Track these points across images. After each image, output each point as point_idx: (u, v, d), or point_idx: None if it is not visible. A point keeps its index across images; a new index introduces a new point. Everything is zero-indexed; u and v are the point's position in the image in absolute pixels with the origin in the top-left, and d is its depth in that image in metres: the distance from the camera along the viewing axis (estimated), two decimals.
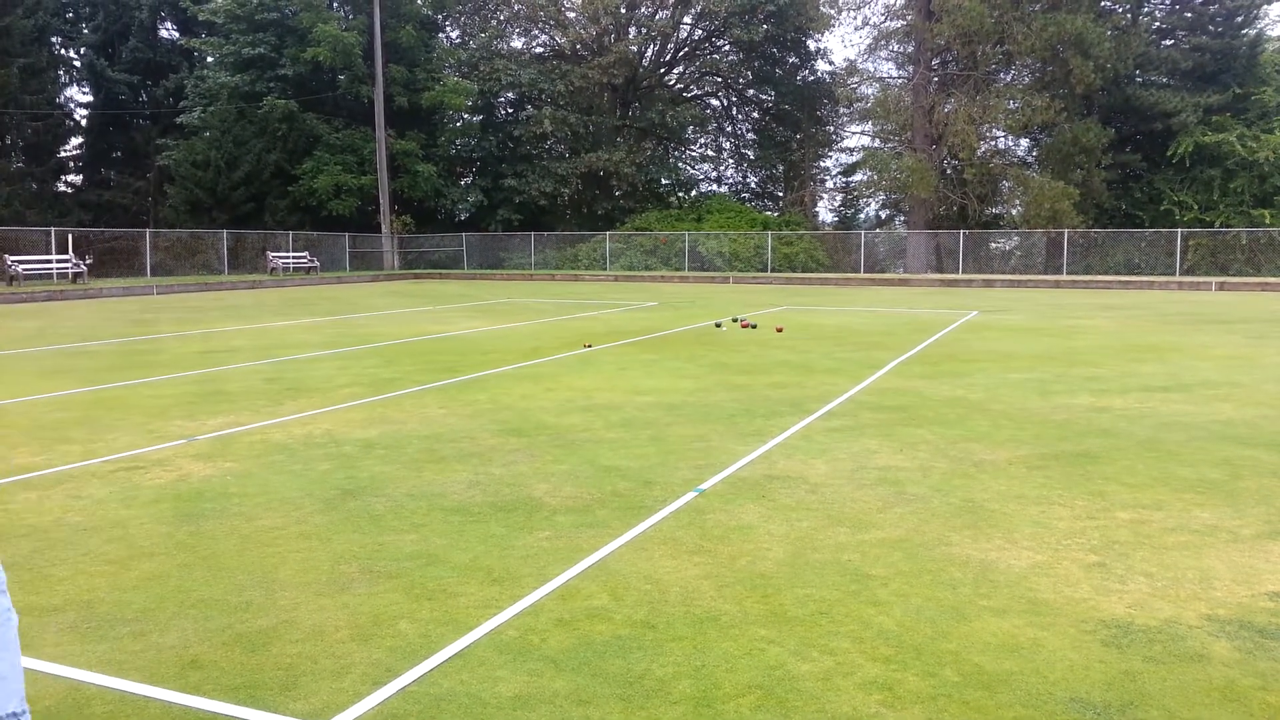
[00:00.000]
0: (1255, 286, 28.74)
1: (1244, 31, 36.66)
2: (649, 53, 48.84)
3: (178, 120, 41.80)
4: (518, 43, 47.72)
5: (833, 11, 41.91)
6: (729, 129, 53.42)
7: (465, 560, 4.56)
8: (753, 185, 52.68)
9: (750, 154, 52.05)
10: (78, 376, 10.82)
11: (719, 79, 50.83)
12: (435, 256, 44.20)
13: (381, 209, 41.52)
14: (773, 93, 49.21)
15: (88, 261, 30.63)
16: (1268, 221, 34.30)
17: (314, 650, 3.58)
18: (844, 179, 49.07)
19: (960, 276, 33.64)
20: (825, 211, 51.36)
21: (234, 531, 5.03)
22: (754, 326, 16.40)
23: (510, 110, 46.61)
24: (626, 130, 46.61)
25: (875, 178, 41.77)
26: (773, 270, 37.66)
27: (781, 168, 49.90)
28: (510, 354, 12.72)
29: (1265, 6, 36.60)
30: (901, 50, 42.40)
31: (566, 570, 4.40)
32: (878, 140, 44.58)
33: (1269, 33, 38.03)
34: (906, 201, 41.11)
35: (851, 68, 42.70)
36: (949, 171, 40.44)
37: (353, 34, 39.73)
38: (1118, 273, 33.83)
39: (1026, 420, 7.94)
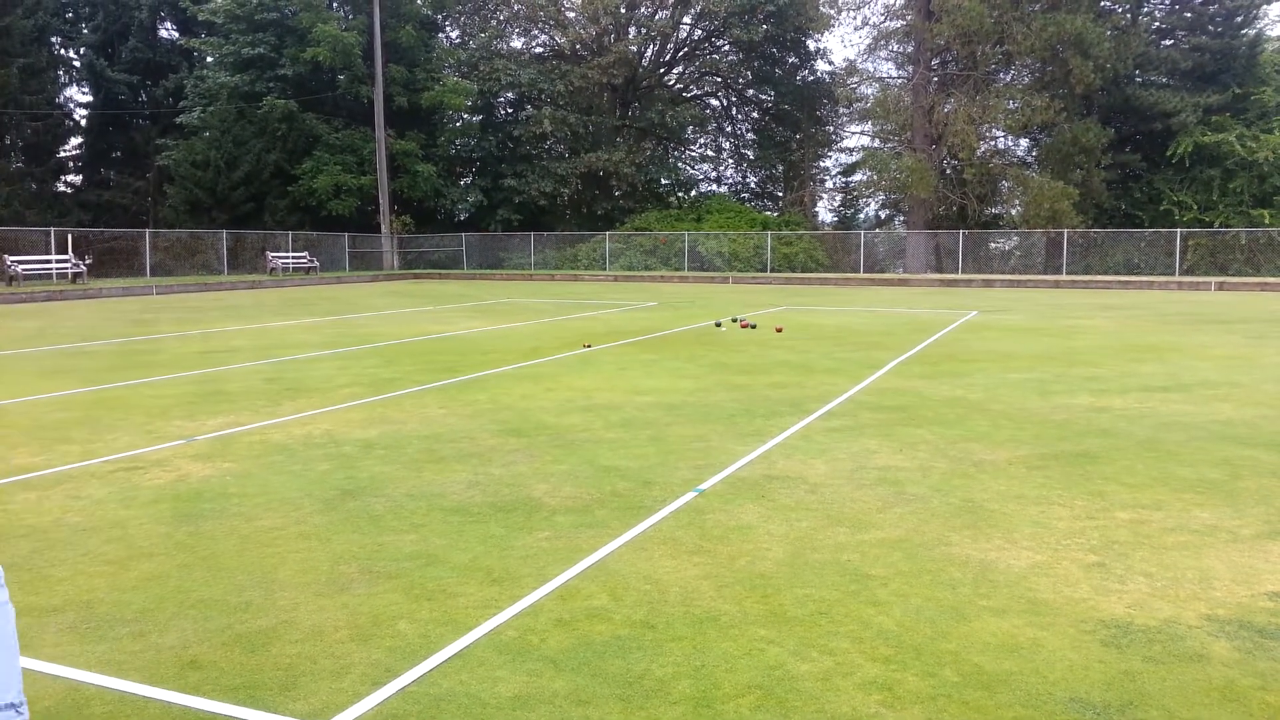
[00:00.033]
0: (1255, 286, 28.75)
1: (1243, 31, 36.67)
2: (649, 53, 48.86)
3: (177, 120, 41.81)
4: (517, 43, 47.78)
5: (832, 11, 41.94)
6: (729, 129, 53.45)
7: (465, 560, 4.56)
8: (752, 185, 52.71)
9: (750, 154, 52.06)
10: (78, 376, 10.82)
11: (719, 79, 50.84)
12: (435, 256, 44.20)
13: (381, 209, 41.52)
14: (772, 93, 49.22)
15: (87, 262, 30.62)
16: (1267, 221, 34.31)
17: (313, 650, 3.58)
18: (843, 179, 49.11)
19: (960, 276, 33.65)
20: (825, 211, 51.43)
21: (233, 532, 5.03)
22: (754, 327, 16.40)
23: (510, 110, 46.61)
24: (626, 130, 46.61)
25: (875, 178, 41.78)
26: (772, 270, 37.66)
27: (781, 168, 49.90)
28: (510, 354, 12.72)
29: (1265, 6, 36.64)
30: (901, 50, 42.42)
31: (566, 570, 4.40)
32: (877, 140, 44.59)
33: (1268, 33, 38.08)
34: (906, 201, 41.11)
35: (851, 68, 42.71)
36: (948, 171, 40.45)
37: (352, 34, 39.74)
38: (1117, 273, 33.83)
39: (1026, 420, 7.94)
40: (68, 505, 5.55)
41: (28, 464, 6.57)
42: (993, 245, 38.83)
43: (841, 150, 50.58)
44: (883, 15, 42.30)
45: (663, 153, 49.79)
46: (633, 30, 46.51)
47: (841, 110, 45.70)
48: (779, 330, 15.77)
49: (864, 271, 37.28)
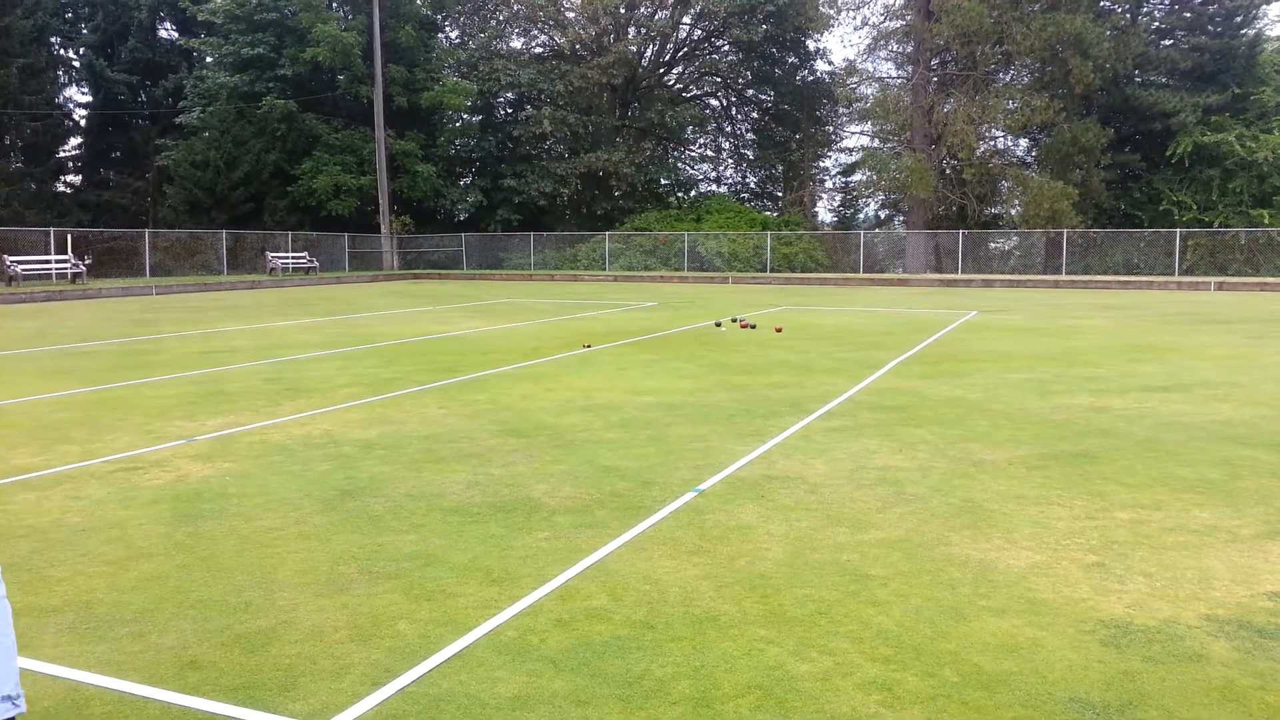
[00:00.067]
0: (1254, 286, 28.75)
1: (1243, 31, 36.68)
2: (648, 53, 48.86)
3: (177, 120, 41.81)
4: (517, 43, 47.78)
5: (832, 11, 41.94)
6: (728, 129, 53.45)
7: (464, 561, 4.56)
8: (752, 185, 52.71)
9: (749, 154, 52.06)
10: (77, 377, 10.82)
11: (718, 79, 50.84)
12: (434, 257, 44.20)
13: (381, 209, 41.52)
14: (772, 93, 49.22)
15: (87, 262, 30.61)
16: (1266, 221, 34.31)
17: (313, 651, 3.58)
18: (843, 179, 49.12)
19: (959, 276, 33.65)
20: (824, 211, 51.44)
21: (233, 532, 5.03)
22: (753, 327, 16.40)
23: (509, 110, 46.61)
24: (626, 130, 46.61)
25: (874, 178, 41.78)
26: (772, 270, 37.67)
27: (781, 168, 49.91)
28: (510, 354, 12.72)
29: (1264, 6, 36.61)
30: (901, 50, 42.42)
31: (565, 571, 4.40)
32: (877, 140, 44.60)
33: (1268, 33, 38.09)
34: (905, 201, 41.12)
35: (851, 68, 42.71)
36: (948, 171, 40.45)
37: (352, 34, 39.73)
38: (1117, 273, 33.84)
39: (1026, 420, 7.94)
40: (67, 505, 5.55)
41: (27, 464, 6.57)
42: (992, 245, 38.84)
43: (841, 150, 50.71)
44: (882, 15, 42.35)
45: (662, 153, 49.79)
46: (632, 30, 46.51)
47: (841, 110, 45.71)
48: (779, 330, 15.77)
49: (863, 271, 37.29)
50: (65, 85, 46.78)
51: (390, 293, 29.39)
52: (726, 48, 48.01)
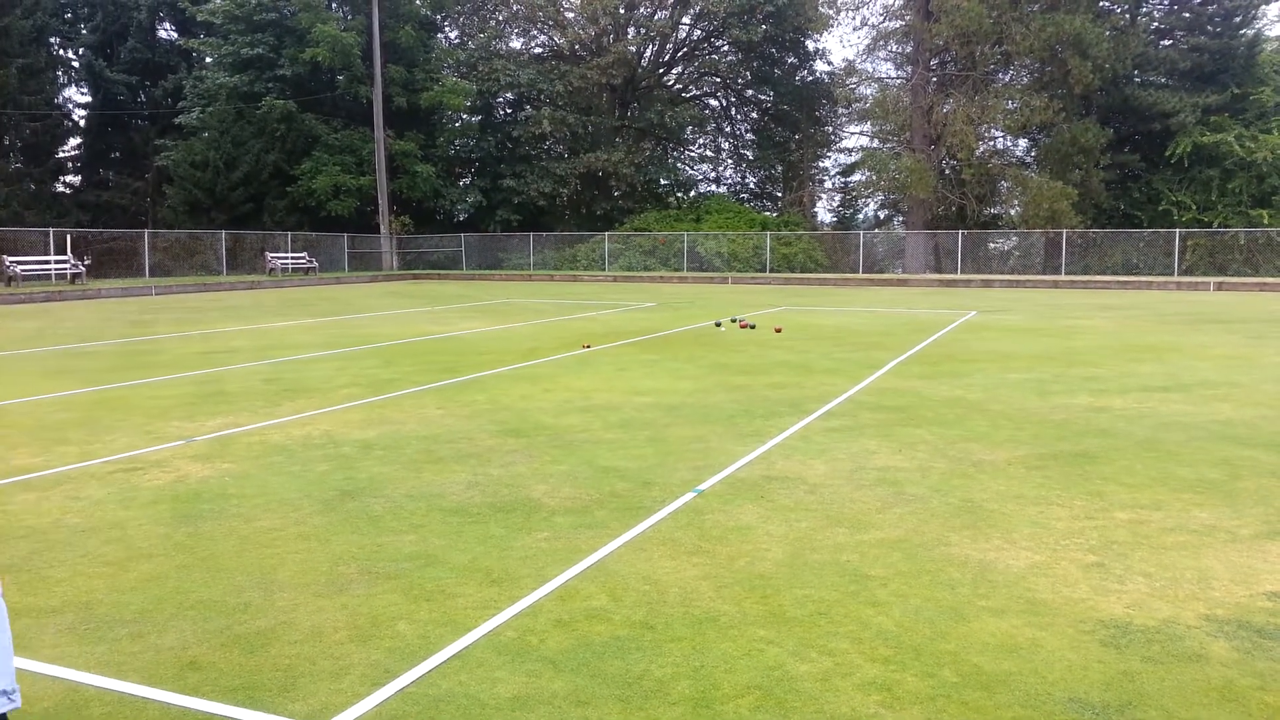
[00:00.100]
0: (1253, 286, 28.77)
1: (1242, 31, 36.70)
2: (648, 53, 48.86)
3: (176, 121, 41.81)
4: (516, 43, 47.78)
5: (831, 12, 41.95)
6: (728, 129, 53.46)
7: (464, 561, 4.56)
8: (751, 186, 52.72)
9: (749, 154, 52.07)
10: (77, 377, 10.81)
11: (718, 79, 50.85)
12: (434, 257, 44.20)
13: (380, 209, 41.52)
14: (771, 93, 49.23)
15: (86, 262, 30.61)
16: (1266, 222, 34.33)
17: (312, 651, 3.58)
18: (842, 179, 49.15)
19: (959, 277, 33.66)
20: (824, 212, 51.47)
21: (232, 533, 5.03)
22: (753, 327, 16.40)
23: (509, 111, 46.61)
24: (625, 130, 46.61)
25: (874, 178, 41.80)
26: (771, 270, 37.68)
27: (780, 168, 49.91)
28: (509, 355, 12.72)
29: (1263, 6, 36.67)
30: (900, 50, 42.44)
31: (565, 571, 4.40)
32: (876, 140, 44.62)
33: (1267, 33, 38.13)
34: (905, 202, 41.13)
35: (850, 68, 42.74)
36: (947, 172, 40.46)
37: (351, 34, 39.73)
38: (1116, 273, 33.85)
39: (1025, 420, 7.94)
40: (67, 506, 5.55)
41: (27, 464, 6.57)
42: (992, 245, 38.85)
43: (840, 150, 50.79)
44: (881, 15, 42.38)
45: (662, 153, 49.80)
46: (632, 30, 46.51)
47: (840, 110, 45.75)
48: (778, 331, 15.77)
49: (863, 272, 37.30)
50: (65, 85, 46.83)
51: (390, 293, 29.39)
52: (726, 48, 48.02)
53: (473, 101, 43.67)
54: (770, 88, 48.99)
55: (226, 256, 36.44)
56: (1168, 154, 36.22)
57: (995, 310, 20.77)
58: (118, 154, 47.60)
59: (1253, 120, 35.91)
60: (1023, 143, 42.31)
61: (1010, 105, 37.53)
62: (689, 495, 5.65)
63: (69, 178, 47.41)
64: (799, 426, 7.69)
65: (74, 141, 46.85)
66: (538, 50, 48.09)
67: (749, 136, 52.49)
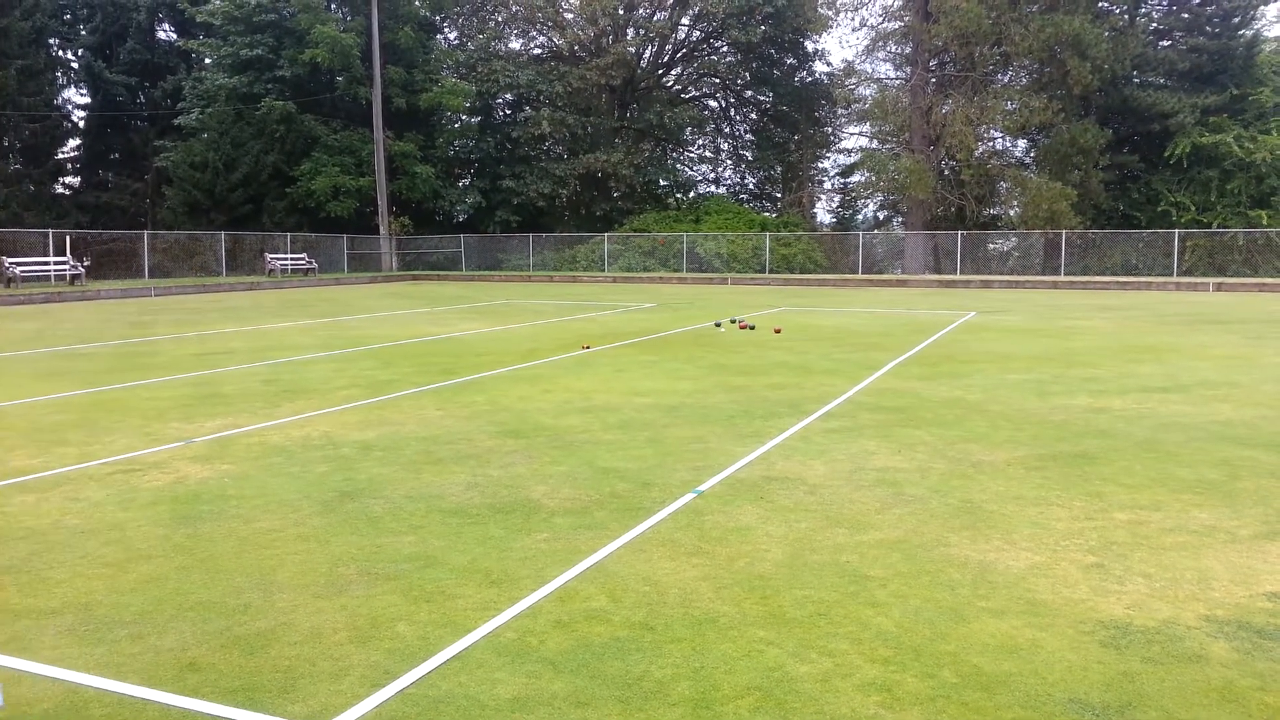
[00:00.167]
0: (1253, 287, 28.78)
1: (1241, 32, 36.72)
2: (647, 54, 48.88)
3: (175, 122, 41.80)
4: (516, 44, 47.78)
5: (830, 13, 41.96)
6: (727, 130, 53.48)
7: (463, 562, 4.56)
8: (750, 186, 52.75)
9: (748, 155, 52.09)
10: (76, 378, 10.81)
11: (717, 80, 50.86)
12: (433, 258, 44.20)
13: (380, 210, 41.52)
14: (770, 94, 49.25)
15: (85, 263, 30.60)
16: (1265, 222, 34.34)
17: (312, 652, 3.58)
18: (842, 180, 49.20)
19: (958, 277, 33.67)
20: (823, 212, 51.51)
21: (232, 534, 5.03)
22: (752, 328, 16.40)
23: (508, 111, 46.62)
24: (624, 131, 46.62)
25: (873, 179, 41.80)
26: (770, 271, 37.68)
27: (779, 169, 49.93)
28: (508, 355, 12.72)
29: (1262, 7, 36.66)
30: (899, 51, 42.44)
31: (565, 572, 4.40)
32: (875, 141, 44.62)
33: (1266, 33, 38.13)
34: (904, 202, 41.13)
35: (849, 69, 42.72)
36: (947, 172, 40.48)
37: (351, 35, 39.73)
38: (1115, 273, 33.87)
39: (1024, 421, 7.94)
40: (66, 507, 5.55)
41: (26, 466, 6.57)
42: (991, 246, 38.86)
43: (840, 151, 50.76)
44: (880, 16, 42.38)
45: (661, 154, 49.81)
46: (631, 31, 46.52)
47: (839, 111, 45.75)
48: (777, 331, 15.78)
49: (862, 272, 37.30)
50: (64, 87, 46.78)
51: (389, 294, 29.39)
52: (725, 49, 48.03)
53: (472, 102, 43.68)
54: (769, 88, 49.02)
55: (226, 258, 36.44)
56: (1167, 155, 36.23)
57: (994, 311, 20.78)
58: (117, 155, 47.58)
59: (1252, 121, 35.93)
60: (1022, 143, 42.35)
61: (1009, 106, 37.54)
62: (689, 496, 5.65)
63: (68, 179, 47.40)
64: (798, 427, 7.69)
65: (73, 143, 46.86)
66: (537, 51, 48.11)
67: (748, 137, 52.52)
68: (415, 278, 40.27)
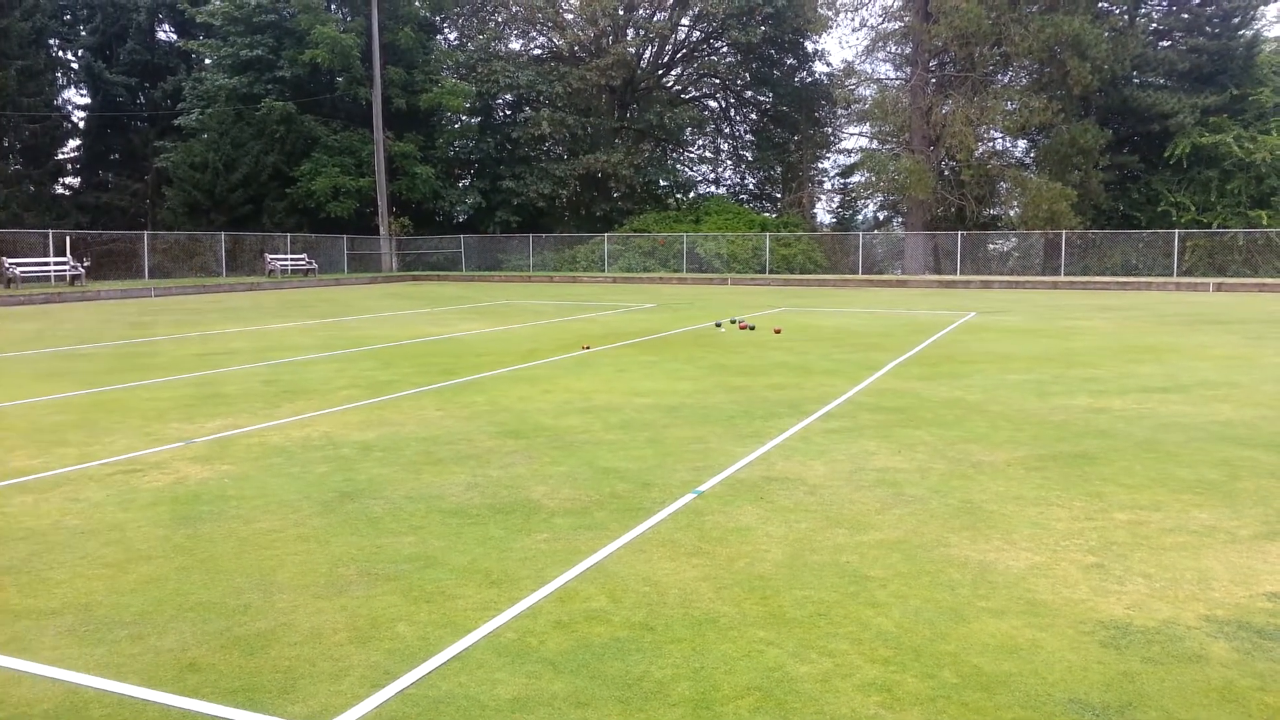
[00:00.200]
0: (1253, 287, 28.78)
1: (1241, 32, 36.72)
2: (647, 54, 48.89)
3: (175, 122, 41.81)
4: (515, 44, 47.79)
5: (830, 13, 41.96)
6: (727, 130, 53.49)
7: (463, 562, 4.56)
8: (750, 187, 52.76)
9: (748, 155, 52.10)
10: (76, 379, 10.81)
11: (717, 80, 50.88)
12: (433, 258, 44.20)
13: (380, 211, 41.53)
14: (770, 94, 49.27)
15: (85, 264, 30.60)
16: (1265, 222, 34.34)
17: (312, 653, 3.58)
18: (842, 180, 49.19)
19: (958, 278, 33.67)
20: (823, 213, 51.50)
21: (232, 534, 5.03)
22: (752, 328, 16.40)
23: (508, 112, 46.63)
24: (624, 132, 46.63)
25: (873, 179, 41.80)
26: (770, 272, 37.69)
27: (779, 169, 49.94)
28: (508, 356, 12.72)
29: (1262, 7, 36.66)
30: (899, 52, 42.45)
31: (565, 572, 4.40)
32: (875, 142, 44.63)
33: (1266, 34, 38.13)
34: (904, 203, 41.14)
35: (849, 69, 42.73)
36: (947, 173, 40.48)
37: (351, 36, 39.74)
38: (1115, 274, 33.87)
39: (1024, 421, 7.94)
40: (66, 508, 5.55)
41: (26, 466, 6.57)
42: (991, 246, 38.86)
43: (840, 152, 50.72)
44: (880, 17, 42.39)
45: (661, 154, 49.82)
46: (631, 32, 46.53)
47: (839, 112, 45.75)
48: (777, 332, 15.78)
49: (862, 273, 37.30)
50: (64, 87, 46.79)
51: (389, 294, 29.39)
52: (725, 49, 48.05)
53: (472, 103, 43.69)
54: (769, 89, 49.03)
55: (226, 258, 36.45)
56: (1167, 155, 36.24)
57: (994, 311, 20.78)
58: (117, 156, 47.58)
59: (1251, 121, 35.93)
60: (1022, 144, 42.35)
61: (1009, 106, 37.54)
62: (689, 496, 5.65)
63: (68, 179, 47.41)
64: (798, 428, 7.69)
65: (73, 143, 46.86)
66: (537, 52, 48.12)
67: (748, 138, 52.53)
68: (415, 278, 40.27)
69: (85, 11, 46.01)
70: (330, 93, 41.65)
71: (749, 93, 51.24)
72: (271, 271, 35.69)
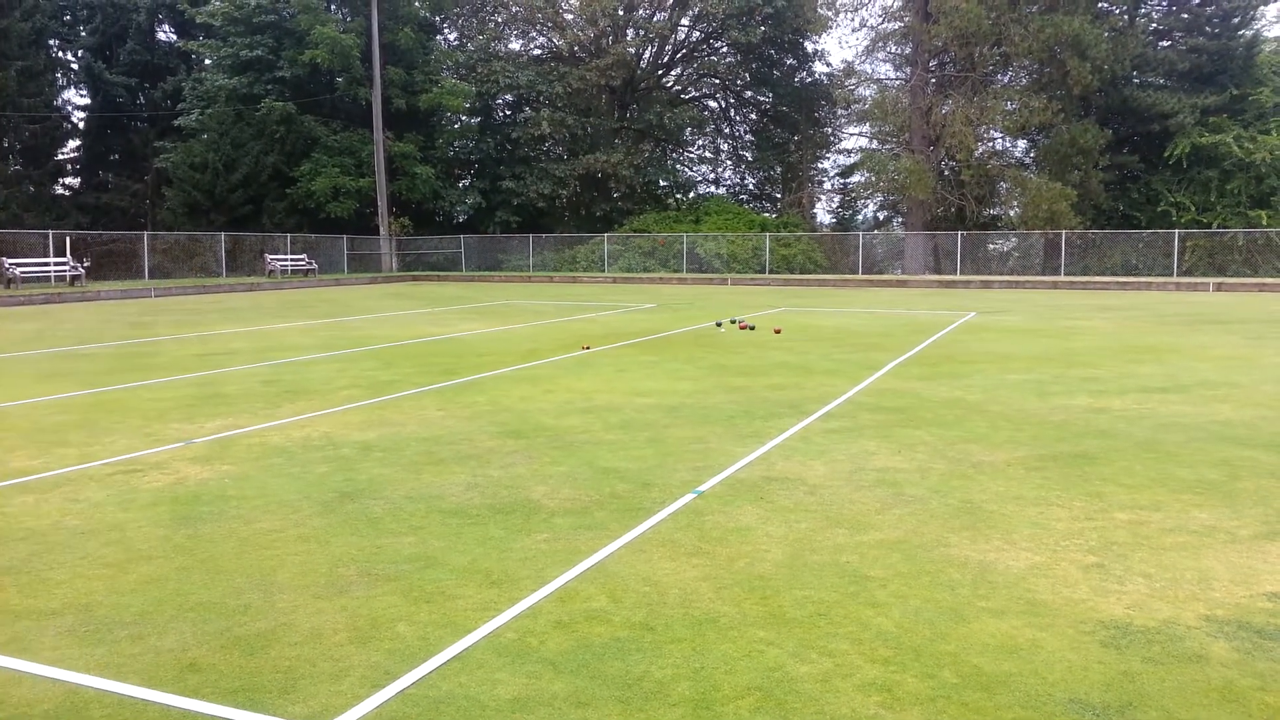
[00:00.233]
0: (1253, 287, 28.78)
1: (1241, 32, 36.72)
2: (647, 54, 48.89)
3: (175, 123, 41.81)
4: (515, 44, 47.80)
5: (830, 13, 41.97)
6: (727, 130, 53.49)
7: (463, 562, 4.56)
8: (750, 187, 52.77)
9: (748, 155, 52.10)
10: (76, 379, 10.81)
11: (717, 81, 50.88)
12: (433, 258, 44.21)
13: (380, 211, 41.53)
14: (770, 94, 49.27)
15: (85, 264, 30.60)
16: (1265, 222, 34.34)
17: (312, 653, 3.58)
18: (842, 180, 49.18)
19: (958, 278, 33.67)
20: (823, 213, 51.51)
21: (232, 534, 5.03)
22: (752, 328, 16.40)
23: (508, 112, 46.63)
24: (624, 132, 46.64)
25: (873, 179, 41.81)
26: (770, 272, 37.69)
27: (779, 169, 49.94)
28: (508, 356, 12.72)
29: (1262, 7, 36.65)
30: (899, 52, 42.45)
31: (565, 572, 4.40)
32: (875, 142, 44.63)
33: (1266, 34, 38.14)
34: (904, 203, 41.14)
35: (849, 69, 42.75)
36: (946, 173, 40.47)
37: (350, 36, 39.74)
38: (1115, 274, 33.87)
39: (1024, 421, 7.94)
40: (66, 508, 5.55)
41: (26, 467, 6.57)
42: (991, 246, 38.86)
43: (840, 152, 50.72)
44: (880, 17, 42.40)
45: (661, 154, 49.82)
46: (631, 32, 46.54)
47: (839, 112, 45.76)
48: (777, 332, 15.78)
49: (862, 273, 37.30)
50: (64, 88, 46.80)
51: (389, 295, 29.39)
52: (725, 49, 48.06)
53: (472, 103, 43.69)
54: (769, 89, 49.03)
55: (226, 258, 36.45)
56: (1166, 155, 36.24)
57: (994, 311, 20.78)
58: (117, 156, 47.59)
59: (1251, 121, 35.93)
60: (1022, 144, 42.35)
61: (1009, 106, 37.55)
62: (689, 496, 5.66)
63: (68, 180, 47.42)
64: (798, 428, 7.69)
65: (73, 144, 46.86)
66: (537, 52, 48.12)
67: (748, 138, 52.54)
68: (415, 278, 40.27)
69: (85, 12, 46.02)
70: (330, 93, 41.65)
71: (749, 93, 51.25)
72: (271, 272, 35.69)
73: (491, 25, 46.62)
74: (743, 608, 3.98)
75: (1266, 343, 13.91)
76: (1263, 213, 34.71)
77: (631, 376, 10.65)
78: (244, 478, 6.21)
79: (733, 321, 17.42)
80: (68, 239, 31.29)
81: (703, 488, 5.85)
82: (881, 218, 49.36)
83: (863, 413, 8.36)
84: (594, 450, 6.92)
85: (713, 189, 51.95)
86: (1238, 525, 5.07)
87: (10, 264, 28.16)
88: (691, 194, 50.00)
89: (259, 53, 40.10)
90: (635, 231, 41.83)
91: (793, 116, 47.35)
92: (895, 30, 41.23)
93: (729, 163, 53.29)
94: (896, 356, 12.37)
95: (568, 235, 43.16)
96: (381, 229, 41.77)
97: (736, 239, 39.25)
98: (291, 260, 37.12)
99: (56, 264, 29.82)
